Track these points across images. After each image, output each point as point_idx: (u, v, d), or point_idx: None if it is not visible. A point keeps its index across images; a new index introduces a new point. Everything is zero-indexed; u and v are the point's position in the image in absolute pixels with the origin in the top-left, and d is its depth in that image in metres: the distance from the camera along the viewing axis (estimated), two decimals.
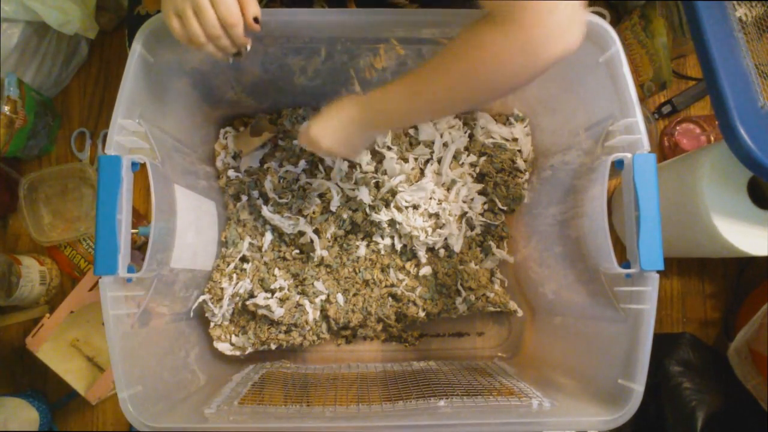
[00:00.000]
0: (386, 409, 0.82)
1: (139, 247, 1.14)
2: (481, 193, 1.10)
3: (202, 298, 0.98)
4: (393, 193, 1.05)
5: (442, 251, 1.08)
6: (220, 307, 0.99)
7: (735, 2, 0.83)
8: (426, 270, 1.07)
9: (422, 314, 1.05)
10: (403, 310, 1.05)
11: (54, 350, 1.03)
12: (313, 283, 1.03)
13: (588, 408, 0.74)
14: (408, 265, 1.08)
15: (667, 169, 1.04)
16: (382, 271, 1.07)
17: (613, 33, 0.77)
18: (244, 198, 1.07)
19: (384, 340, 1.10)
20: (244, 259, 1.05)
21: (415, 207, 1.07)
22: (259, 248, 1.06)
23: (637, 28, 1.09)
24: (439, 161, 1.08)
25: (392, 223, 1.06)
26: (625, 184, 0.74)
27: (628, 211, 0.74)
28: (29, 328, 1.07)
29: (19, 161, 1.17)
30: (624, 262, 0.74)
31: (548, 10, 0.54)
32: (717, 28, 0.81)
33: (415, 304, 1.05)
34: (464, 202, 1.09)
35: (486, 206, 1.10)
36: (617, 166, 0.76)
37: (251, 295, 1.01)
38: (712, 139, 1.16)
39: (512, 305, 1.07)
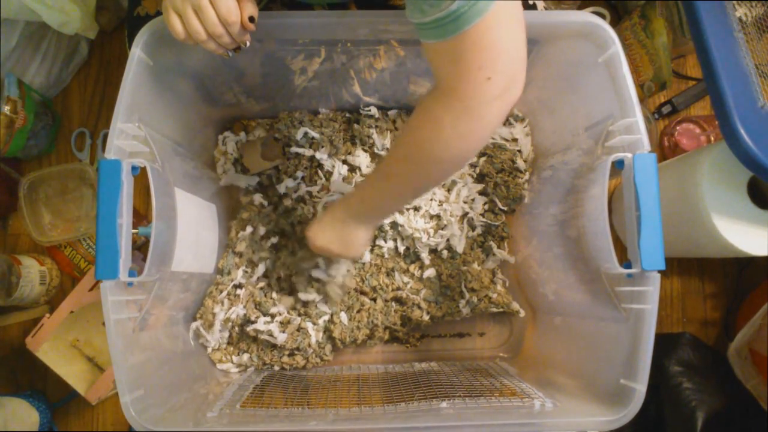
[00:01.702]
0: (388, 411, 0.82)
1: (139, 247, 1.14)
2: (481, 193, 1.10)
3: (194, 325, 0.98)
4: None
5: (445, 252, 1.07)
6: (212, 333, 0.99)
7: (735, 2, 0.84)
8: (430, 272, 1.06)
9: (426, 317, 1.04)
10: (408, 314, 1.05)
11: (54, 350, 1.03)
12: (316, 305, 1.02)
13: (590, 408, 0.74)
14: (412, 267, 1.08)
15: (667, 169, 1.04)
16: (388, 275, 1.07)
17: (613, 33, 0.77)
18: (249, 229, 1.06)
19: (385, 342, 1.10)
20: (237, 285, 1.04)
21: (416, 209, 1.07)
22: (251, 275, 1.06)
23: (637, 28, 1.09)
24: None
25: (394, 225, 1.06)
26: (626, 184, 0.74)
27: (629, 211, 0.74)
28: (29, 328, 1.07)
29: (19, 161, 1.17)
30: (625, 262, 0.74)
31: (488, 101, 0.59)
32: (717, 28, 0.81)
33: (419, 307, 1.05)
34: (465, 202, 1.09)
35: (486, 206, 1.10)
36: (617, 166, 0.76)
37: (248, 321, 1.01)
38: (712, 139, 1.17)
39: (515, 306, 1.07)
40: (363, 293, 1.05)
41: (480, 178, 1.10)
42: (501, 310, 1.07)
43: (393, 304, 1.06)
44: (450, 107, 0.61)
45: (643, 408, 0.70)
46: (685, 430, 0.99)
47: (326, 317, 1.02)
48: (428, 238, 1.05)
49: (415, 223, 1.05)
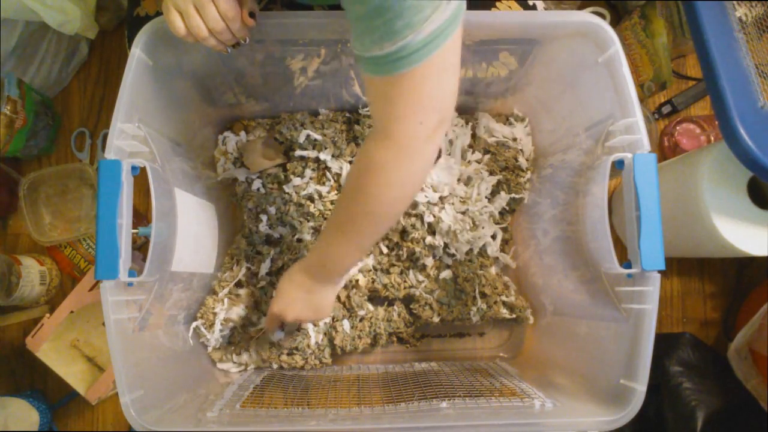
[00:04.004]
0: (388, 411, 0.82)
1: (139, 247, 1.14)
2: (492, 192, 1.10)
3: (194, 324, 0.98)
4: None
5: (463, 254, 1.06)
6: (213, 332, 0.99)
7: (735, 2, 0.84)
8: (447, 273, 1.06)
9: (436, 319, 1.04)
10: (418, 312, 1.04)
11: (54, 350, 1.03)
12: None
13: (590, 408, 0.74)
14: (429, 267, 1.07)
15: (667, 169, 1.04)
16: (401, 273, 1.06)
17: (612, 33, 0.77)
18: (264, 217, 1.06)
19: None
20: (239, 284, 1.04)
21: (442, 199, 1.06)
22: (255, 274, 1.06)
23: (637, 28, 1.09)
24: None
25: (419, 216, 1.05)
26: (626, 184, 0.74)
27: (629, 211, 0.74)
28: (29, 328, 1.07)
29: (19, 161, 1.17)
30: (625, 262, 0.74)
31: (416, 124, 0.60)
32: (717, 28, 0.81)
33: (431, 307, 1.04)
34: (486, 197, 1.08)
35: (496, 205, 1.10)
36: (617, 166, 0.76)
37: (250, 323, 1.01)
38: (712, 139, 1.17)
39: (528, 313, 1.06)
40: (373, 291, 1.05)
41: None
42: (513, 316, 1.06)
43: (396, 308, 1.05)
44: (387, 149, 0.62)
45: (643, 408, 0.70)
46: (685, 430, 0.99)
47: (327, 320, 1.02)
48: (466, 235, 1.04)
49: (452, 218, 1.04)
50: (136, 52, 0.75)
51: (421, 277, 1.06)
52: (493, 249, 1.08)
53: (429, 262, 1.06)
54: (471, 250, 1.07)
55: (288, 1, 0.87)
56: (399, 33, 0.53)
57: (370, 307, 1.04)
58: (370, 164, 0.65)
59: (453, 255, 1.06)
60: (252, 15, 0.69)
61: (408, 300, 1.06)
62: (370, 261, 1.05)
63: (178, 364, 0.90)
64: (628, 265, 0.73)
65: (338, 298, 1.04)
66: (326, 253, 0.78)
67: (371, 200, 0.67)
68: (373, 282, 1.05)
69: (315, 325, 1.02)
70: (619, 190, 1.12)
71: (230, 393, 0.88)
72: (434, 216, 1.04)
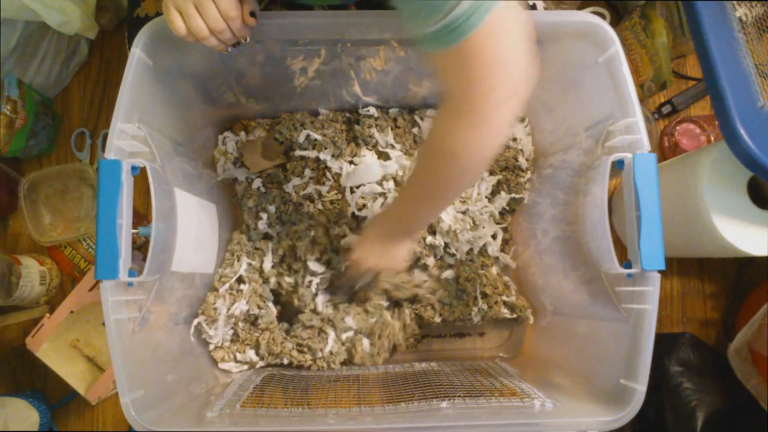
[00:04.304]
0: (388, 411, 0.82)
1: (139, 247, 1.14)
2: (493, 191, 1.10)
3: (196, 320, 0.98)
4: None
5: (464, 253, 1.07)
6: (216, 328, 0.99)
7: (735, 2, 0.84)
8: (449, 273, 1.06)
9: (438, 319, 1.04)
10: (420, 312, 1.04)
11: (54, 350, 1.03)
12: (343, 318, 1.02)
13: (590, 408, 0.74)
14: (432, 266, 1.06)
15: (667, 169, 1.04)
16: (407, 270, 1.06)
17: (612, 33, 0.77)
18: (264, 216, 1.07)
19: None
20: (240, 280, 1.04)
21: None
22: (257, 269, 1.06)
23: (637, 28, 1.09)
24: None
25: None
26: (626, 184, 0.74)
27: (629, 211, 0.74)
28: (29, 328, 1.07)
29: (19, 161, 1.17)
30: (625, 262, 0.74)
31: (489, 90, 0.59)
32: (717, 28, 0.81)
33: (433, 308, 1.04)
34: (487, 197, 1.08)
35: (496, 205, 1.10)
36: (617, 166, 0.76)
37: (257, 318, 1.02)
38: (712, 139, 1.17)
39: (528, 313, 1.06)
40: (386, 292, 1.05)
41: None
42: (514, 316, 1.06)
43: (406, 309, 1.05)
44: (460, 117, 0.62)
45: (642, 408, 0.70)
46: (685, 430, 0.99)
47: (350, 333, 1.02)
48: (466, 234, 1.05)
49: (452, 218, 1.05)
50: (136, 52, 0.75)
51: (424, 277, 1.06)
52: (493, 249, 1.08)
53: (430, 261, 1.06)
54: (471, 249, 1.07)
55: (288, 1, 0.87)
56: (446, 4, 0.53)
57: (389, 318, 1.04)
58: (444, 132, 0.65)
59: (453, 254, 1.07)
60: (252, 15, 0.69)
61: (412, 302, 1.06)
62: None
63: (178, 364, 0.90)
64: (628, 265, 0.73)
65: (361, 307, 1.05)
66: (405, 212, 0.83)
67: (447, 168, 0.68)
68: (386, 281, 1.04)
69: (337, 337, 1.02)
70: (619, 190, 1.12)
71: (230, 393, 0.88)
72: (442, 220, 1.04)
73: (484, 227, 1.06)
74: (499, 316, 1.05)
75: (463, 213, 1.06)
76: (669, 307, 1.17)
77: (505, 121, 0.62)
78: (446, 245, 1.06)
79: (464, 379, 0.92)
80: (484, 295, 1.05)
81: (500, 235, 1.10)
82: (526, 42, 0.58)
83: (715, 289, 1.17)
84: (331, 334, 1.01)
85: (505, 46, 0.57)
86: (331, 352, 1.01)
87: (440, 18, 0.54)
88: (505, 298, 1.05)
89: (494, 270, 1.08)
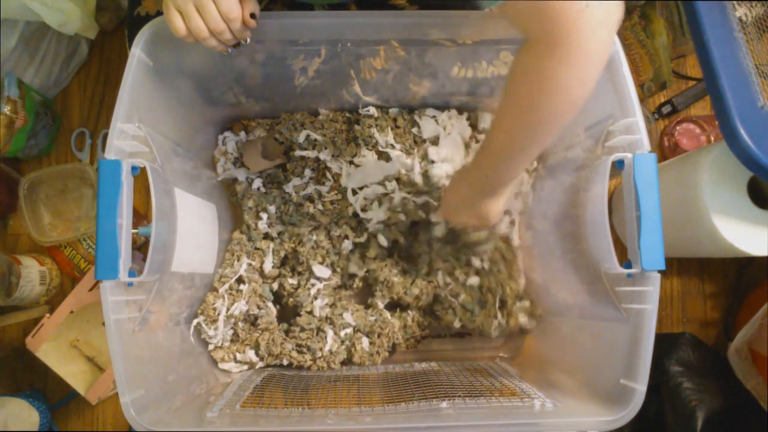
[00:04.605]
0: (388, 411, 0.82)
1: (139, 247, 1.14)
2: None
3: (196, 320, 0.98)
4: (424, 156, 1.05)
5: (486, 263, 1.05)
6: (216, 328, 0.99)
7: (735, 2, 0.84)
8: (474, 280, 1.03)
9: (458, 324, 1.03)
10: (441, 314, 1.03)
11: (54, 350, 1.03)
12: (342, 314, 1.02)
13: (590, 408, 0.74)
14: (458, 271, 1.04)
15: (667, 169, 1.04)
16: (428, 274, 1.05)
17: None
18: (264, 216, 1.07)
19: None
20: (240, 280, 1.04)
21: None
22: (258, 270, 1.05)
23: (637, 28, 1.09)
24: None
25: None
26: (626, 184, 0.74)
27: (629, 211, 0.74)
28: (29, 328, 1.07)
29: (19, 161, 1.17)
30: (625, 262, 0.74)
31: (592, 30, 0.55)
32: (717, 28, 0.82)
33: (454, 312, 1.03)
34: None
35: None
36: (617, 166, 0.75)
37: (256, 318, 1.01)
38: (712, 139, 1.17)
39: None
40: (400, 300, 1.04)
41: None
42: (532, 325, 1.04)
43: (410, 312, 1.05)
44: (553, 56, 0.57)
45: (642, 408, 0.70)
46: (685, 430, 0.99)
47: (349, 330, 1.02)
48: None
49: None
50: (137, 52, 0.75)
51: (449, 280, 1.04)
52: (512, 232, 1.07)
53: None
54: (503, 256, 1.06)
55: (289, 1, 0.87)
56: None
57: (388, 316, 1.04)
58: (536, 76, 0.60)
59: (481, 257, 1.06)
60: (253, 16, 0.69)
61: (432, 303, 1.05)
62: (395, 278, 1.04)
63: (178, 364, 0.90)
64: (628, 265, 0.73)
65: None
66: (491, 170, 0.76)
67: (541, 114, 0.63)
68: (405, 293, 1.03)
69: (336, 334, 1.02)
70: (619, 190, 1.12)
71: (230, 393, 0.88)
72: None
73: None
74: (516, 327, 1.03)
75: None
76: (669, 307, 1.17)
77: (605, 46, 0.57)
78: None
79: (464, 379, 0.92)
80: (503, 306, 1.03)
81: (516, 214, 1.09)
82: None
83: (715, 289, 1.17)
84: (330, 333, 1.01)
85: None
86: (330, 351, 1.01)
87: None
88: (524, 304, 1.04)
89: (522, 282, 1.07)
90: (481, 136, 1.10)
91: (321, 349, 1.00)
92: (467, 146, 1.09)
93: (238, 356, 1.02)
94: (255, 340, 1.02)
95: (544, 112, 0.63)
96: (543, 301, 1.04)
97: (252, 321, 1.03)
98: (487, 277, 1.03)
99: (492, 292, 1.03)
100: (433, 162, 1.06)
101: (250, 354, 1.02)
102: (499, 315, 1.02)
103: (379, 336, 1.03)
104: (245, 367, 1.03)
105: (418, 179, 1.04)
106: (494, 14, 0.59)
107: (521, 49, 0.62)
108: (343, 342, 1.02)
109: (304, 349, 1.01)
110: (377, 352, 1.03)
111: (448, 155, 1.06)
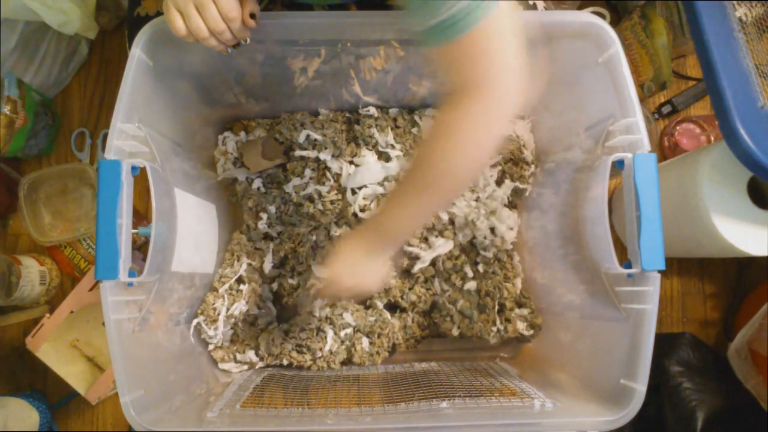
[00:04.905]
0: (388, 411, 0.82)
1: (139, 247, 1.14)
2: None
3: (196, 321, 0.98)
4: None
5: (483, 266, 1.05)
6: (216, 328, 0.98)
7: (735, 2, 0.84)
8: (471, 285, 1.03)
9: (456, 332, 1.02)
10: (439, 322, 1.03)
11: (54, 350, 1.03)
12: (342, 314, 1.01)
13: (590, 408, 0.74)
14: (454, 276, 1.04)
15: (667, 169, 1.04)
16: (426, 281, 1.05)
17: (612, 33, 0.77)
18: (264, 216, 1.07)
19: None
20: (240, 280, 1.04)
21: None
22: (257, 270, 1.05)
23: (637, 28, 1.09)
24: None
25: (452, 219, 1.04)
26: (626, 184, 0.74)
27: (629, 211, 0.74)
28: (29, 328, 1.07)
29: (19, 161, 1.17)
30: (625, 262, 0.74)
31: (487, 82, 0.60)
32: (717, 28, 0.81)
33: (452, 320, 1.02)
34: (496, 182, 1.07)
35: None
36: (617, 166, 0.76)
37: (256, 318, 1.01)
38: (712, 139, 1.17)
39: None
40: (397, 304, 1.04)
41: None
42: (531, 332, 1.03)
43: (410, 313, 1.05)
44: (469, 111, 0.62)
45: (642, 408, 0.70)
46: (685, 430, 0.99)
47: (349, 330, 1.01)
48: (485, 222, 1.03)
49: (466, 206, 1.03)
50: (136, 53, 0.75)
51: (446, 286, 1.04)
52: (511, 235, 1.06)
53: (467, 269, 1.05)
54: (496, 259, 1.06)
55: (289, 1, 0.87)
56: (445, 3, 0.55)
57: (388, 317, 1.03)
58: (447, 131, 0.64)
59: (477, 263, 1.05)
60: (252, 16, 0.69)
61: (429, 311, 1.05)
62: (392, 281, 1.03)
63: (178, 364, 0.90)
64: (628, 265, 0.73)
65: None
66: (390, 217, 0.75)
67: (443, 170, 0.66)
68: (402, 298, 1.03)
69: (336, 334, 1.01)
70: (619, 190, 1.12)
71: (230, 393, 0.88)
72: (448, 212, 1.03)
73: (497, 210, 1.05)
74: (515, 334, 1.02)
75: (476, 200, 1.06)
76: (669, 307, 1.17)
77: (510, 110, 0.62)
78: (472, 239, 1.05)
79: (464, 379, 0.92)
80: (502, 310, 1.02)
81: (514, 218, 1.08)
82: (522, 47, 0.60)
83: (715, 289, 1.17)
84: (330, 333, 1.00)
85: (508, 45, 0.59)
86: (330, 351, 1.01)
87: (448, 8, 0.56)
88: (523, 312, 1.04)
89: (518, 283, 1.06)
90: None
91: (321, 349, 1.00)
92: None
93: (238, 356, 1.02)
94: (255, 340, 1.02)
95: (445, 168, 0.66)
96: (543, 301, 1.04)
97: (252, 321, 1.03)
98: (483, 280, 1.03)
99: (490, 296, 1.03)
100: None
101: (250, 354, 1.01)
102: (498, 320, 1.02)
103: (379, 336, 1.03)
104: (245, 367, 1.03)
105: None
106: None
107: (442, 106, 0.65)
108: (343, 342, 1.02)
109: (304, 349, 1.01)
110: (377, 353, 1.02)
111: None
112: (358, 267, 0.78)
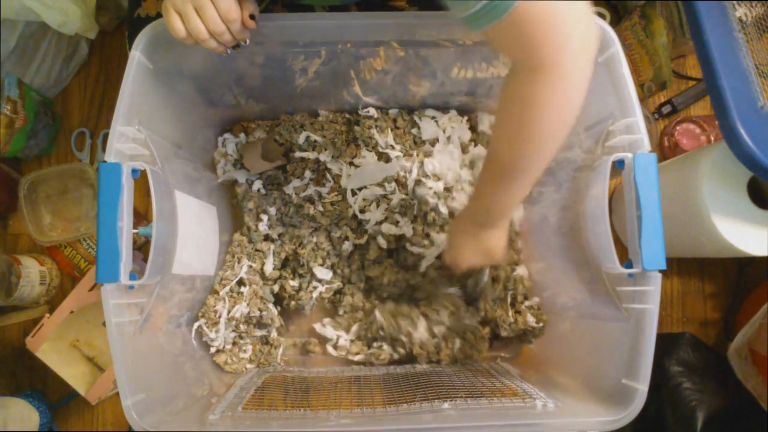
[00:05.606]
0: (389, 412, 0.82)
1: (139, 247, 1.14)
2: None
3: (197, 324, 0.98)
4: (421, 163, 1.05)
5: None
6: (217, 331, 0.98)
7: (735, 2, 0.84)
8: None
9: (446, 360, 1.02)
10: (420, 361, 1.02)
11: (54, 350, 1.03)
12: (437, 313, 1.02)
13: (592, 408, 0.74)
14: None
15: (667, 169, 1.04)
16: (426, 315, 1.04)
17: (613, 33, 0.77)
18: (265, 217, 1.07)
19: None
20: (240, 282, 1.04)
21: (448, 189, 1.05)
22: (258, 271, 1.05)
23: (637, 28, 1.09)
24: None
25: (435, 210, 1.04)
26: (626, 184, 0.74)
27: (630, 211, 0.74)
28: (29, 328, 1.07)
29: (19, 161, 1.17)
30: (626, 262, 0.74)
31: (573, 59, 0.58)
32: (717, 28, 0.81)
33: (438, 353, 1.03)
34: None
35: None
36: (618, 166, 0.75)
37: (259, 320, 1.02)
38: (712, 139, 1.17)
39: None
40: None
41: None
42: (540, 325, 1.02)
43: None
44: (538, 81, 0.60)
45: (643, 408, 0.70)
46: (685, 430, 0.99)
47: (441, 328, 1.02)
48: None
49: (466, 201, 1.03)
50: (136, 55, 0.75)
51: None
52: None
53: None
54: None
55: (289, 2, 0.87)
56: None
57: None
58: (522, 102, 0.62)
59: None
60: (252, 17, 0.69)
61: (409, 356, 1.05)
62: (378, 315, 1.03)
63: (179, 367, 0.90)
64: (629, 265, 0.73)
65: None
66: (490, 198, 0.77)
67: (531, 140, 0.65)
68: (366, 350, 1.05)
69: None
70: (619, 190, 1.12)
71: (232, 395, 0.88)
72: (448, 207, 1.03)
73: None
74: (525, 326, 1.02)
75: None
76: (669, 307, 1.17)
77: (584, 73, 0.60)
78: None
79: (465, 379, 0.92)
80: (513, 303, 1.03)
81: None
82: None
83: (715, 289, 1.17)
84: (423, 323, 1.00)
85: (553, 8, 0.56)
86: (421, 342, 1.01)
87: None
88: (532, 302, 1.04)
89: (524, 272, 1.07)
90: (484, 136, 1.10)
91: (410, 335, 1.01)
92: (464, 150, 1.09)
93: (242, 354, 1.02)
94: (256, 341, 1.02)
95: (533, 136, 0.64)
96: (544, 300, 1.04)
97: (253, 323, 1.03)
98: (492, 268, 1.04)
99: (499, 281, 1.03)
100: (421, 181, 1.05)
101: (251, 354, 1.02)
102: (510, 311, 1.02)
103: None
104: (250, 365, 1.03)
105: (411, 185, 1.05)
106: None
107: (508, 76, 0.64)
108: (434, 337, 1.02)
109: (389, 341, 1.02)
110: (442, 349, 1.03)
111: (442, 171, 1.06)
112: (479, 245, 0.85)
